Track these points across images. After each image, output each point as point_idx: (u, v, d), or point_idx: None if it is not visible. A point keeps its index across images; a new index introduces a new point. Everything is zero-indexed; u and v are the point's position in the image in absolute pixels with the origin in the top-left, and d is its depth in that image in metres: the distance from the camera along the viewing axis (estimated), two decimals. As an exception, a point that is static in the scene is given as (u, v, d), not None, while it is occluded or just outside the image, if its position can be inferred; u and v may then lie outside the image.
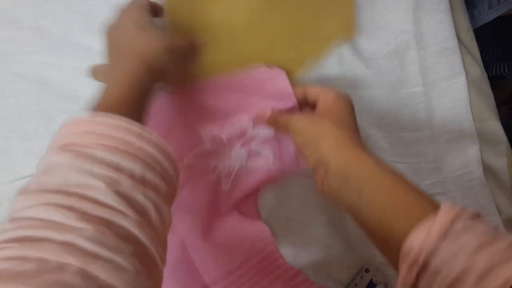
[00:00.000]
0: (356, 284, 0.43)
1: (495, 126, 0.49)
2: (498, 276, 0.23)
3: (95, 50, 0.43)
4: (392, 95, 0.48)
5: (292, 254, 0.44)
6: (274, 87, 0.44)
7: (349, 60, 0.48)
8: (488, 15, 0.59)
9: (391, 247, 0.29)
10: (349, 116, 0.37)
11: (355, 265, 0.44)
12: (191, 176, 0.43)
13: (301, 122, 0.37)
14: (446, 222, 0.25)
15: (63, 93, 0.45)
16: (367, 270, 0.44)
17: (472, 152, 0.48)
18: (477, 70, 0.50)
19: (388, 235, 0.29)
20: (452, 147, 0.48)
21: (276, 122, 0.40)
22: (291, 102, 0.42)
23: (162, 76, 0.36)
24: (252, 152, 0.44)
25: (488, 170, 0.48)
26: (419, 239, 0.26)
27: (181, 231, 0.42)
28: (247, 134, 0.44)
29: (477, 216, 0.27)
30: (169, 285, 0.41)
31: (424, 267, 0.26)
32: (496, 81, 0.81)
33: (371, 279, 0.43)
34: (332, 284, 0.43)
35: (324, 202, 0.45)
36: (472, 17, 0.58)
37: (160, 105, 0.43)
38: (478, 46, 0.51)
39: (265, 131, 0.43)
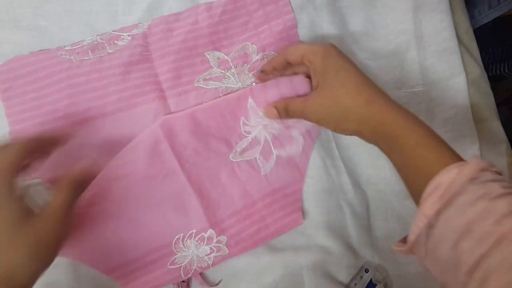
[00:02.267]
0: (356, 284, 0.43)
1: (495, 126, 0.49)
2: None
3: (95, 50, 0.43)
4: (392, 95, 0.48)
5: (292, 254, 0.44)
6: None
7: (349, 60, 0.48)
8: (488, 15, 0.59)
9: (420, 181, 0.30)
10: (351, 69, 0.36)
11: (355, 265, 0.44)
12: (203, 99, 0.45)
13: (316, 111, 0.37)
14: (476, 169, 0.27)
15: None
16: (366, 270, 0.44)
17: (472, 152, 0.48)
18: (477, 70, 0.50)
19: (420, 167, 0.30)
20: (452, 147, 0.47)
21: (288, 113, 0.40)
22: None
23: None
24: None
25: (488, 170, 0.47)
26: (449, 177, 0.27)
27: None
28: (252, 60, 0.46)
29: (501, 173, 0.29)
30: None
31: (447, 204, 0.27)
32: (496, 81, 0.81)
33: (371, 279, 0.43)
34: (332, 284, 0.43)
35: (324, 202, 0.45)
36: (472, 17, 0.58)
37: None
38: (478, 46, 0.51)
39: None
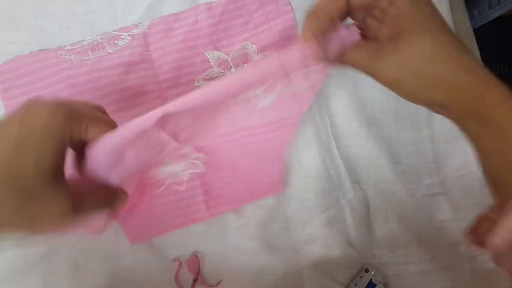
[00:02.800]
0: (356, 284, 0.43)
1: (495, 126, 0.49)
2: None
3: (95, 50, 0.43)
4: (392, 95, 0.48)
5: (292, 254, 0.44)
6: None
7: (349, 60, 0.48)
8: (488, 15, 0.59)
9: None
10: (446, 25, 0.27)
11: (355, 265, 0.44)
12: None
13: (392, 71, 0.28)
14: None
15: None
16: (366, 270, 0.44)
17: (472, 152, 0.47)
18: (477, 70, 0.50)
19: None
20: (452, 147, 0.48)
21: (345, 61, 0.30)
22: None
23: None
24: None
25: (488, 170, 0.47)
26: None
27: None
28: (252, 60, 0.46)
29: None
30: None
31: None
32: (496, 81, 0.81)
33: (371, 279, 0.43)
34: (332, 284, 0.43)
35: (324, 202, 0.45)
36: (472, 17, 0.58)
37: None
38: (478, 46, 0.51)
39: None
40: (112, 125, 0.30)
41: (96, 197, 0.29)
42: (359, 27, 0.31)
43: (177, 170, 0.42)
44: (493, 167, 0.28)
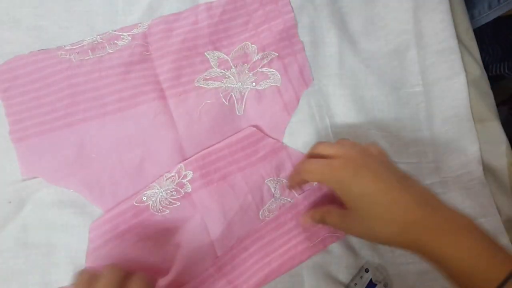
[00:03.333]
0: (356, 284, 0.43)
1: (495, 126, 0.49)
2: None
3: (95, 50, 0.43)
4: (392, 95, 0.48)
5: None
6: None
7: (349, 60, 0.48)
8: (488, 15, 0.59)
9: None
10: (375, 190, 0.33)
11: (355, 265, 0.44)
12: (203, 99, 0.45)
13: (356, 232, 0.36)
14: None
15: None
16: (367, 270, 0.44)
17: (472, 152, 0.48)
18: (477, 70, 0.50)
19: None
20: (452, 147, 0.48)
21: (326, 222, 0.39)
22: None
23: None
24: (259, 74, 0.46)
25: (488, 170, 0.47)
26: None
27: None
28: (252, 60, 0.46)
29: None
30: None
31: None
32: (496, 81, 0.81)
33: (371, 279, 0.43)
34: (332, 284, 0.43)
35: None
36: (472, 17, 0.58)
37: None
38: (478, 46, 0.51)
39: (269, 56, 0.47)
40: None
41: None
42: None
43: (166, 192, 0.43)
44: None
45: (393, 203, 0.32)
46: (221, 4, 0.47)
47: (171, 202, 0.42)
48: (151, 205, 0.41)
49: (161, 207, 0.42)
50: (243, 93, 0.46)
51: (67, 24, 0.46)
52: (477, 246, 0.30)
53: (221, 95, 0.46)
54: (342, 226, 0.37)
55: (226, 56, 0.46)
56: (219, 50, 0.47)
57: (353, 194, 0.33)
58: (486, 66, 0.53)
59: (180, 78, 0.45)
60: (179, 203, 0.42)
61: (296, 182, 0.40)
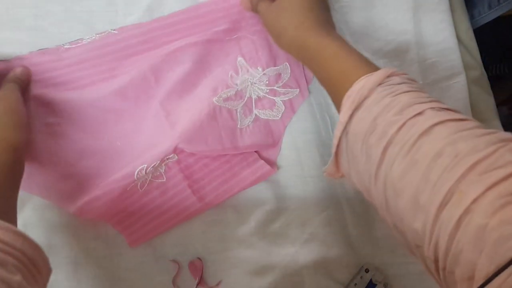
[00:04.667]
0: (356, 284, 0.43)
1: (495, 126, 0.49)
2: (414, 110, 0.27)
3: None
4: (392, 95, 0.48)
5: (292, 254, 0.44)
6: None
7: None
8: (488, 15, 0.59)
9: (339, 93, 0.33)
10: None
11: (355, 265, 0.44)
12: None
13: (267, 19, 0.40)
14: (384, 75, 0.30)
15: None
16: (367, 270, 0.44)
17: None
18: (477, 70, 0.50)
19: (339, 80, 0.33)
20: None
21: (255, 10, 0.43)
22: None
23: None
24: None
25: (488, 170, 0.47)
26: (359, 85, 0.30)
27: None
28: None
29: (414, 81, 0.31)
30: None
31: (357, 107, 0.30)
32: (496, 81, 0.81)
33: (371, 279, 0.43)
34: (332, 284, 0.43)
35: (324, 202, 0.45)
36: (472, 17, 0.57)
37: None
38: (478, 46, 0.51)
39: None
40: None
41: None
42: None
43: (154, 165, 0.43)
44: (330, 95, 0.36)
45: (309, 6, 0.38)
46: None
47: None
48: None
49: None
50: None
51: (67, 24, 0.46)
52: (345, 52, 0.34)
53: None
54: (263, 16, 0.41)
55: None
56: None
57: None
58: (486, 66, 0.53)
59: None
60: None
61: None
